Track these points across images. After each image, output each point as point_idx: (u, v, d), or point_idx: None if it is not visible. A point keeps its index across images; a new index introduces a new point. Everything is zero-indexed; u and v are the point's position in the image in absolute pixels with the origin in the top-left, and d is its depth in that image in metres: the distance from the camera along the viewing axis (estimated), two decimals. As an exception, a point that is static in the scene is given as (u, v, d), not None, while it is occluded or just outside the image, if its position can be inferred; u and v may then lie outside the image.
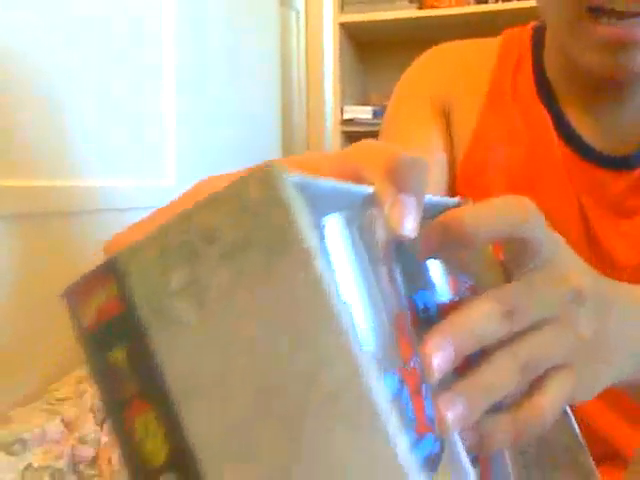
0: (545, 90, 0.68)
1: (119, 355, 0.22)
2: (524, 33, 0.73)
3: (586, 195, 0.65)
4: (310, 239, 0.19)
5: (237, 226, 0.20)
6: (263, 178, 0.20)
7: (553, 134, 0.67)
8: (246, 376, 0.20)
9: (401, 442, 0.19)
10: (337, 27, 2.46)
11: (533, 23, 0.75)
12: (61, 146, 1.31)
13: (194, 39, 1.81)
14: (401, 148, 0.27)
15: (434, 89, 0.73)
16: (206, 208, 0.21)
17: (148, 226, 0.23)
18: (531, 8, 2.27)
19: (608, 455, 0.64)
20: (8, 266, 1.16)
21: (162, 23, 1.66)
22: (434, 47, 0.79)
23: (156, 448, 0.20)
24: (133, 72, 1.54)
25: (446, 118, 0.72)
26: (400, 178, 0.25)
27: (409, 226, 0.24)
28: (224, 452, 0.20)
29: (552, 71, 0.69)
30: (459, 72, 0.73)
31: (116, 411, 0.22)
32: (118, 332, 0.22)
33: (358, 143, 0.28)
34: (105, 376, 0.23)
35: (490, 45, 0.74)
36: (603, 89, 0.65)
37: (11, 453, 0.93)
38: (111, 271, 0.22)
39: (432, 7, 2.41)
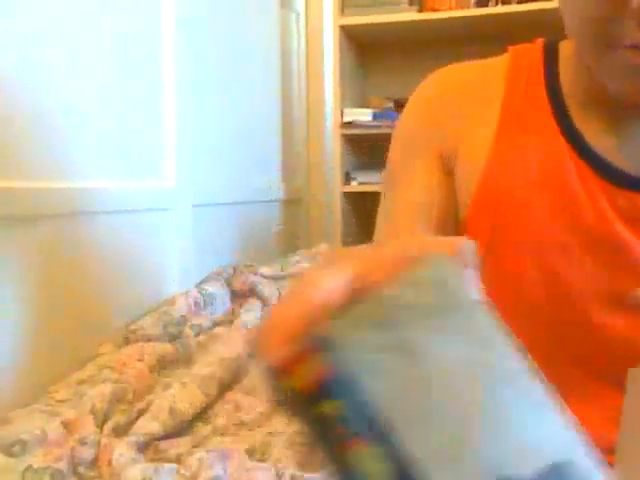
0: (562, 114, 0.66)
1: (330, 407, 0.29)
2: (533, 52, 0.70)
3: (618, 220, 0.63)
4: (477, 293, 0.31)
5: (424, 295, 0.30)
6: (438, 263, 0.31)
7: (573, 161, 0.64)
8: (446, 394, 0.28)
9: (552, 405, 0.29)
10: (337, 29, 2.46)
11: (541, 40, 0.71)
12: (60, 148, 1.31)
13: (194, 41, 1.81)
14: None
15: (434, 137, 0.69)
16: (398, 288, 0.30)
17: (289, 309, 0.31)
18: (531, 11, 2.28)
19: None
20: (8, 267, 1.16)
21: (162, 25, 1.66)
22: (433, 75, 0.73)
23: (378, 472, 0.27)
24: (133, 74, 1.54)
25: (448, 165, 0.69)
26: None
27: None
28: (440, 457, 0.27)
29: (571, 92, 0.66)
30: (463, 109, 0.69)
31: (334, 450, 0.29)
32: (329, 390, 0.29)
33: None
34: (319, 425, 0.29)
35: (495, 68, 0.70)
36: (630, 110, 0.63)
37: (11, 454, 0.93)
38: (317, 346, 0.29)
39: (432, 10, 2.41)
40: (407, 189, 0.70)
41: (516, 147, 0.66)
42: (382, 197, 0.75)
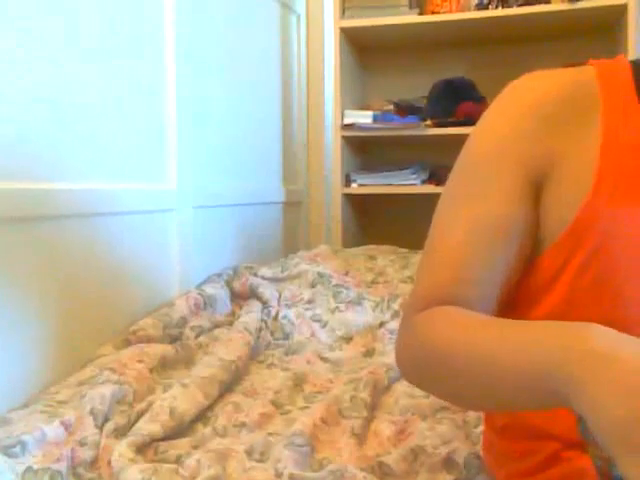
0: None
1: None
2: (621, 71, 0.68)
3: None
4: None
5: None
6: None
7: None
8: None
9: None
10: (338, 32, 2.46)
11: (624, 59, 0.70)
12: (61, 149, 1.31)
13: (195, 43, 1.81)
14: None
15: (527, 148, 0.67)
16: None
17: None
18: (531, 14, 2.28)
19: None
20: (9, 268, 1.16)
21: (164, 27, 1.66)
22: (519, 83, 0.71)
23: None
24: (134, 76, 1.55)
25: (535, 177, 0.67)
26: None
27: None
28: None
29: None
30: (560, 122, 0.68)
31: None
32: None
33: None
34: None
35: (583, 82, 0.69)
36: None
37: (10, 455, 0.93)
38: None
39: (433, 13, 2.42)
40: (491, 201, 0.67)
41: (624, 167, 0.65)
42: (444, 208, 0.71)
